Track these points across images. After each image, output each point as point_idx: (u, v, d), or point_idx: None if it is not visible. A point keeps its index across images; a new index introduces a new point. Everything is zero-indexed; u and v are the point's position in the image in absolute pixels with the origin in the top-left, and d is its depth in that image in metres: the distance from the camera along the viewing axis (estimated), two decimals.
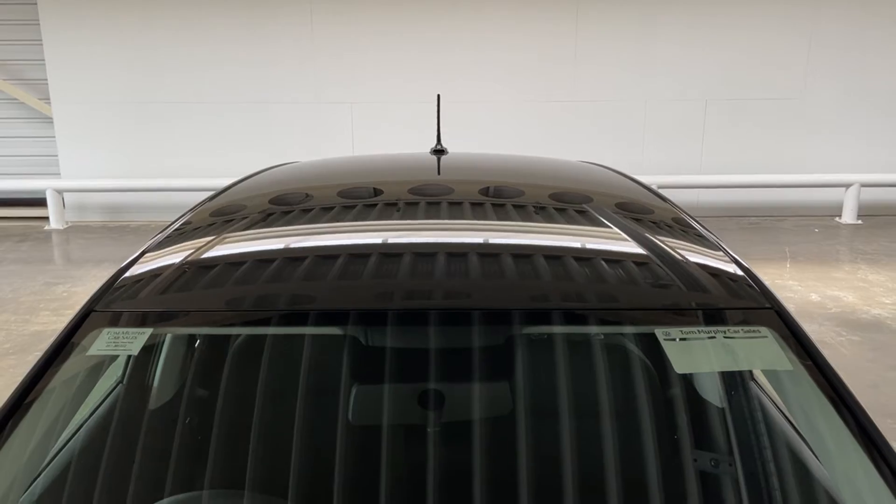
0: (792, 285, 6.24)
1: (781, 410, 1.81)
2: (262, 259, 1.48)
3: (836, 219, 8.64)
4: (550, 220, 1.76)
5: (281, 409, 1.30)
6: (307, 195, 1.96)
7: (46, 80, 8.62)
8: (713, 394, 1.89)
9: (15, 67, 8.84)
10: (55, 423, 1.34)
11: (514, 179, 2.17)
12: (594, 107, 8.56)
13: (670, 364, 1.63)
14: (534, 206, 1.83)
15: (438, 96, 2.80)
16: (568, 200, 1.93)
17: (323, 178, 2.25)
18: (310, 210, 1.80)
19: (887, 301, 5.84)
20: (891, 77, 8.54)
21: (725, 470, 1.66)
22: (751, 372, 1.92)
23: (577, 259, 1.48)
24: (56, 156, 8.87)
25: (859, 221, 8.49)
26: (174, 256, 1.53)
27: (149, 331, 1.34)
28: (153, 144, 8.72)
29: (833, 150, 8.66)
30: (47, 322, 5.59)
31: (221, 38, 8.46)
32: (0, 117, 9.00)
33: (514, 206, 1.82)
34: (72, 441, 1.55)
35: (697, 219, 1.91)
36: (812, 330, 5.16)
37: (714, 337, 1.32)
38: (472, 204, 1.81)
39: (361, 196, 1.91)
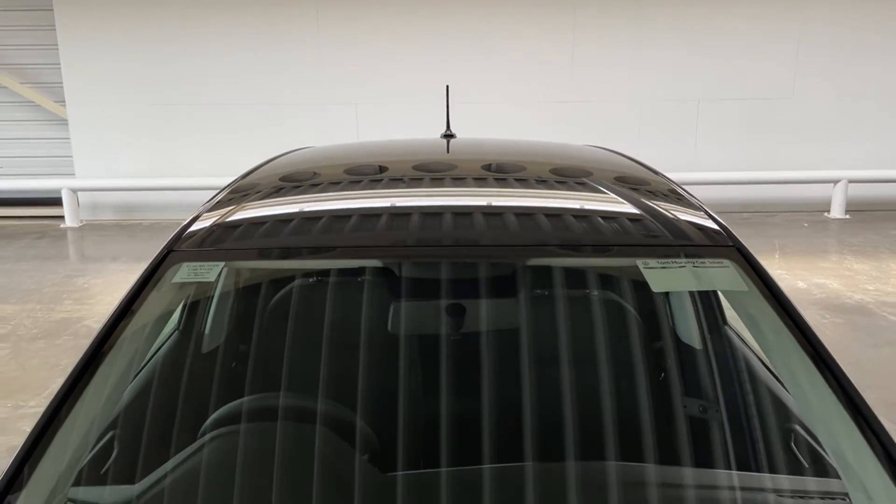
0: (780, 274, 6.53)
1: (750, 347, 2.10)
2: (312, 211, 1.77)
3: (826, 214, 8.95)
4: (552, 182, 2.05)
5: (338, 326, 1.59)
6: (339, 166, 2.26)
7: (62, 83, 8.93)
8: (694, 338, 2.18)
9: (31, 71, 9.15)
10: (142, 342, 1.62)
11: (520, 155, 2.47)
12: (590, 107, 8.87)
13: (652, 304, 1.93)
14: (537, 173, 2.12)
15: (447, 86, 3.10)
16: (569, 168, 2.22)
17: (348, 155, 2.54)
18: (345, 177, 2.10)
19: (870, 287, 6.13)
20: (877, 77, 8.86)
21: (703, 400, 1.95)
22: (724, 317, 2.22)
23: (575, 210, 1.78)
24: (71, 157, 9.17)
25: (847, 216, 8.79)
26: (233, 211, 1.82)
27: (220, 264, 1.63)
28: (164, 145, 9.02)
29: (822, 147, 8.97)
30: (71, 310, 5.87)
31: (230, 41, 8.77)
32: (17, 119, 9.30)
33: (519, 171, 2.12)
34: (150, 363, 1.84)
35: (686, 189, 2.20)
36: None
37: (684, 266, 1.62)
38: (484, 170, 2.11)
39: (390, 166, 2.21)
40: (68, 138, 9.14)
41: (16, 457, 1.32)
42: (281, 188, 2.03)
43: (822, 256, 7.17)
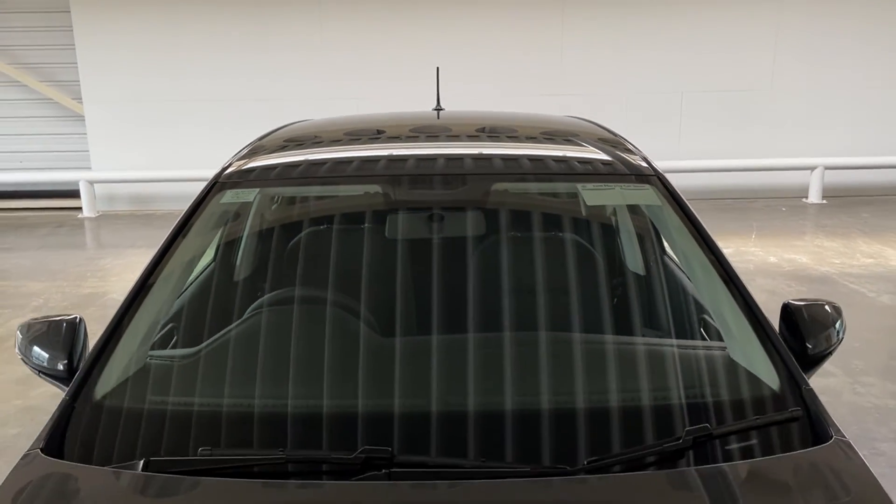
0: (754, 251, 7.00)
1: (682, 270, 2.57)
2: (325, 151, 2.25)
3: (804, 199, 9.42)
4: (522, 136, 2.53)
5: (346, 234, 2.06)
6: (343, 127, 2.74)
7: (78, 81, 9.42)
8: (637, 265, 2.65)
9: (49, 70, 9.64)
10: (197, 249, 2.10)
11: (499, 118, 2.94)
12: (579, 100, 9.35)
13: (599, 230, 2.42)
14: (511, 129, 2.60)
15: (438, 68, 3.58)
16: (539, 126, 2.70)
17: (352, 121, 3.02)
18: (349, 132, 2.58)
19: (836, 261, 6.60)
20: (849, 69, 9.34)
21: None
22: (663, 248, 2.68)
23: (537, 151, 2.26)
24: (87, 151, 9.66)
25: (824, 201, 9.26)
26: (259, 157, 2.29)
27: (256, 190, 2.12)
28: (175, 138, 9.50)
29: (799, 136, 9.45)
30: (96, 286, 6.35)
31: (236, 42, 9.26)
32: (36, 116, 9.80)
33: (496, 128, 2.60)
34: (203, 275, 2.33)
35: (637, 147, 2.66)
36: (765, 283, 5.93)
37: (614, 189, 2.10)
38: (465, 127, 2.60)
39: (388, 128, 2.69)
40: (84, 133, 9.63)
41: (100, 337, 1.77)
42: (296, 140, 2.51)
43: (795, 236, 7.64)
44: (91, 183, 9.36)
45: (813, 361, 1.83)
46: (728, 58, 9.29)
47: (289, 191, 2.31)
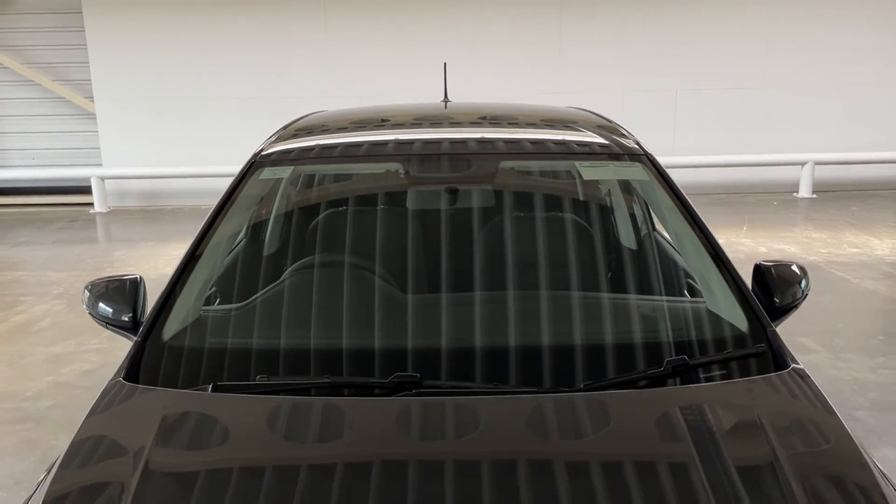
0: (745, 241, 7.28)
1: (669, 242, 2.84)
2: (347, 135, 2.53)
3: (794, 194, 9.71)
4: (524, 122, 2.80)
5: (371, 206, 2.34)
6: (359, 116, 3.01)
7: (90, 80, 9.69)
8: (628, 232, 2.92)
9: (62, 70, 9.92)
10: (238, 224, 2.37)
11: (503, 108, 3.22)
12: (577, 98, 9.62)
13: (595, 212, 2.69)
14: (515, 116, 2.88)
15: (445, 64, 3.86)
16: (542, 114, 2.98)
17: (366, 110, 3.29)
18: (368, 120, 2.85)
19: (823, 251, 6.89)
20: (839, 68, 9.64)
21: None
22: (651, 218, 2.94)
23: (539, 135, 2.54)
24: (98, 148, 9.93)
25: (814, 195, 9.56)
26: (288, 141, 2.56)
27: (289, 167, 2.39)
28: (184, 136, 9.78)
29: (790, 132, 9.74)
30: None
31: (243, 41, 9.54)
32: (48, 114, 10.08)
33: (501, 116, 2.88)
34: (245, 242, 2.60)
35: (629, 132, 2.92)
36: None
37: (608, 166, 2.38)
38: (472, 114, 2.87)
39: (403, 115, 2.97)
40: (95, 131, 9.90)
41: (159, 297, 2.04)
42: (320, 126, 2.79)
43: (785, 228, 7.92)
44: (102, 179, 9.63)
45: (780, 312, 2.12)
46: (721, 57, 9.58)
47: (318, 168, 2.59)
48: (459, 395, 1.64)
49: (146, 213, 9.63)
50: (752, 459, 1.45)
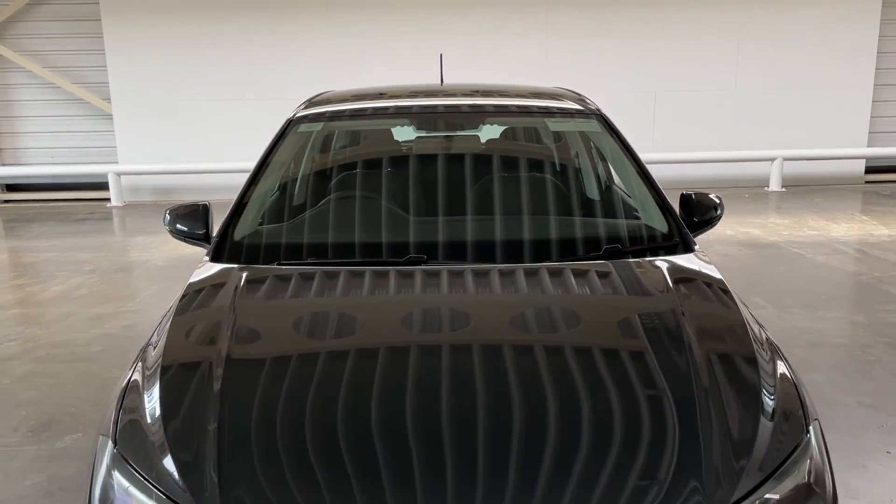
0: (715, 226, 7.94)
1: (626, 192, 3.50)
2: (363, 100, 3.19)
3: (765, 188, 10.42)
4: (510, 93, 3.46)
5: (385, 151, 3.02)
6: (367, 91, 3.67)
7: (107, 83, 10.36)
8: (593, 190, 3.58)
9: (80, 73, 10.58)
10: (285, 163, 3.03)
11: (493, 85, 3.88)
12: None
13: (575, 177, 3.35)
14: (502, 90, 3.55)
15: (441, 55, 4.52)
16: (525, 89, 3.64)
17: (376, 88, 3.94)
18: (385, 93, 3.51)
19: (785, 233, 7.57)
20: (806, 71, 10.39)
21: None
22: (603, 159, 3.58)
23: (517, 101, 3.21)
24: (114, 146, 10.58)
25: (783, 189, 10.27)
26: (315, 107, 3.21)
27: (321, 123, 3.05)
28: (196, 134, 10.45)
29: (760, 131, 10.47)
30: (137, 255, 7.25)
31: (251, 45, 10.23)
32: (68, 115, 10.73)
33: (489, 89, 3.54)
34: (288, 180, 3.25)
35: (599, 109, 3.58)
36: (720, 248, 6.88)
37: (569, 121, 3.05)
38: (465, 88, 3.54)
39: (407, 91, 3.63)
40: (112, 130, 10.55)
41: (227, 217, 2.68)
42: (340, 96, 3.45)
43: (753, 216, 8.61)
44: (118, 175, 10.27)
45: (700, 226, 2.79)
46: (696, 61, 10.32)
47: (342, 124, 3.25)
48: (450, 267, 2.32)
49: (160, 207, 10.21)
50: (660, 304, 2.11)
